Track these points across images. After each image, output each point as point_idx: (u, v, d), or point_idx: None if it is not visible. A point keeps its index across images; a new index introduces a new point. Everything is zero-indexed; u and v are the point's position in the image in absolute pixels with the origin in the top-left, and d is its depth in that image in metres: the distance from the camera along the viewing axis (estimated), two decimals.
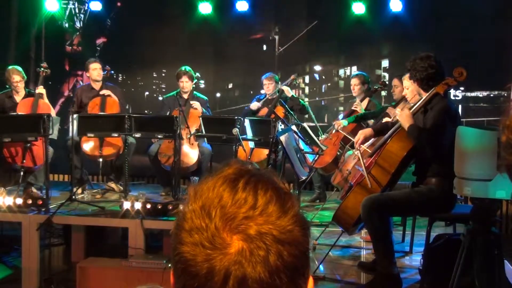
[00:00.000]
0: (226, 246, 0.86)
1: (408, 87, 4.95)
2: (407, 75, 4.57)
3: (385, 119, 5.58)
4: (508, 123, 0.90)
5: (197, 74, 7.11)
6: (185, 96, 7.07)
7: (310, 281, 0.94)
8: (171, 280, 0.94)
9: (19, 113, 6.45)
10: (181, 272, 0.89)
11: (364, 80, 6.71)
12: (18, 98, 6.78)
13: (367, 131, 4.62)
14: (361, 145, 4.61)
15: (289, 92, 7.05)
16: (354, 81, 6.75)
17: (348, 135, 6.03)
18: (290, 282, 0.88)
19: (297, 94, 8.60)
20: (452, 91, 7.35)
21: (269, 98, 7.24)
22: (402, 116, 4.23)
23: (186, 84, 7.02)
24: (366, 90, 6.68)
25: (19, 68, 6.80)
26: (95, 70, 7.04)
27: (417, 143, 4.13)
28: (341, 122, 6.45)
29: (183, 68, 7.06)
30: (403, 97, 5.74)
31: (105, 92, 6.95)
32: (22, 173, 6.25)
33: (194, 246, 0.88)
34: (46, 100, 6.77)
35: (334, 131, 6.59)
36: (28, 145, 6.24)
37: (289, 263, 0.87)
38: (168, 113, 6.99)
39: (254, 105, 7.31)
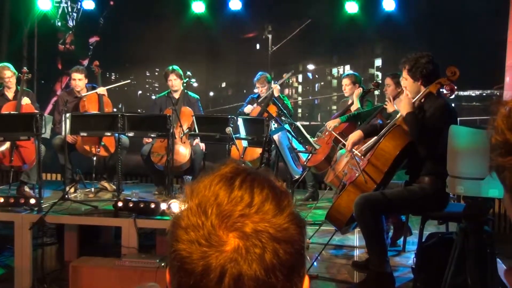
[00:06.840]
0: (222, 244, 0.86)
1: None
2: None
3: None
4: (495, 125, 0.90)
5: (188, 72, 7.09)
6: (176, 95, 7.05)
7: (306, 280, 0.94)
8: (167, 277, 0.95)
9: (11, 112, 6.40)
10: (177, 269, 0.90)
11: (355, 80, 6.71)
12: (10, 94, 6.74)
13: (356, 136, 4.54)
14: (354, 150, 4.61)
15: (278, 91, 7.02)
16: (345, 81, 6.80)
17: (340, 135, 6.01)
18: (286, 280, 0.88)
19: (290, 93, 8.61)
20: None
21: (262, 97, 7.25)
22: (403, 102, 4.21)
23: (175, 82, 6.99)
24: (361, 92, 6.67)
25: (9, 65, 6.73)
26: (74, 81, 6.94)
27: (412, 133, 4.13)
28: (332, 124, 6.50)
29: (170, 67, 7.03)
30: (399, 94, 5.73)
31: (99, 91, 6.92)
32: (12, 173, 6.22)
33: (190, 244, 0.88)
34: (28, 101, 6.66)
35: (327, 133, 6.60)
36: (14, 147, 6.22)
37: (284, 261, 0.88)
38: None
39: (248, 108, 7.29)
